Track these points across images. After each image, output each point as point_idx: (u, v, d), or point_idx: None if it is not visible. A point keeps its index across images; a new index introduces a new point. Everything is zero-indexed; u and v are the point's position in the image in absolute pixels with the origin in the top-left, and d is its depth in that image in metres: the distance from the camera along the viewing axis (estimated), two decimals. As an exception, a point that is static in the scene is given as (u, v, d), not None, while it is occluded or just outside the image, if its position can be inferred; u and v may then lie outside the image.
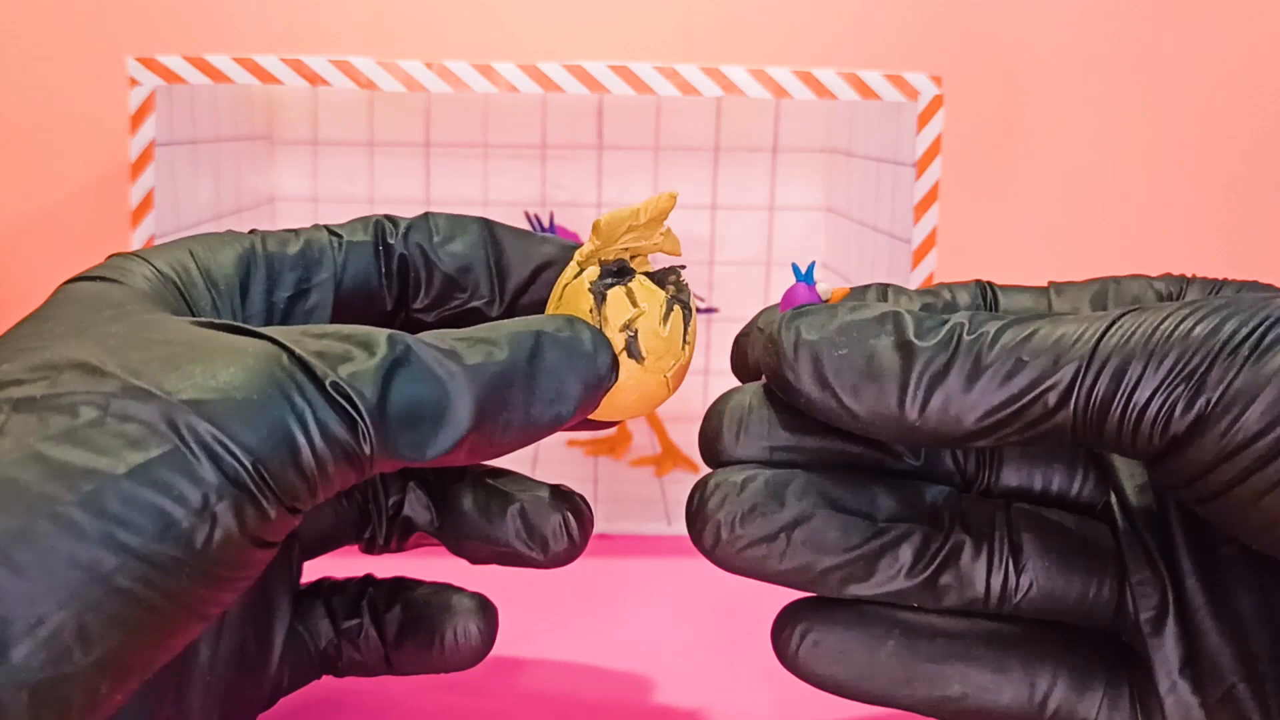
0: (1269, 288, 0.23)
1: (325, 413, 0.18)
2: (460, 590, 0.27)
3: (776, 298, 0.55)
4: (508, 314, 0.25)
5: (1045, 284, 0.25)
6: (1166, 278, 0.25)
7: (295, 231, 0.24)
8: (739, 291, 0.54)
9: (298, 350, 0.18)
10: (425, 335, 0.20)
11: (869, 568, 0.22)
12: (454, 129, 0.52)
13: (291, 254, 0.24)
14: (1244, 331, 0.18)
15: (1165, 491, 0.23)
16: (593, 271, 0.23)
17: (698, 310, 0.48)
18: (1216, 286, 0.24)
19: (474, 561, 0.27)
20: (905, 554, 0.22)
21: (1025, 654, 0.23)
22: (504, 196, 0.53)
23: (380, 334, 0.19)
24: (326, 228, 0.25)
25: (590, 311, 0.23)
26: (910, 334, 0.20)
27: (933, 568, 0.22)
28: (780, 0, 0.53)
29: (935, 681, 0.22)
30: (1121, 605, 0.23)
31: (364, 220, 0.25)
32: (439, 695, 0.29)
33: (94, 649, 0.16)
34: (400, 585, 0.27)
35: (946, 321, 0.20)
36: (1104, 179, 0.55)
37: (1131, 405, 0.19)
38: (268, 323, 0.23)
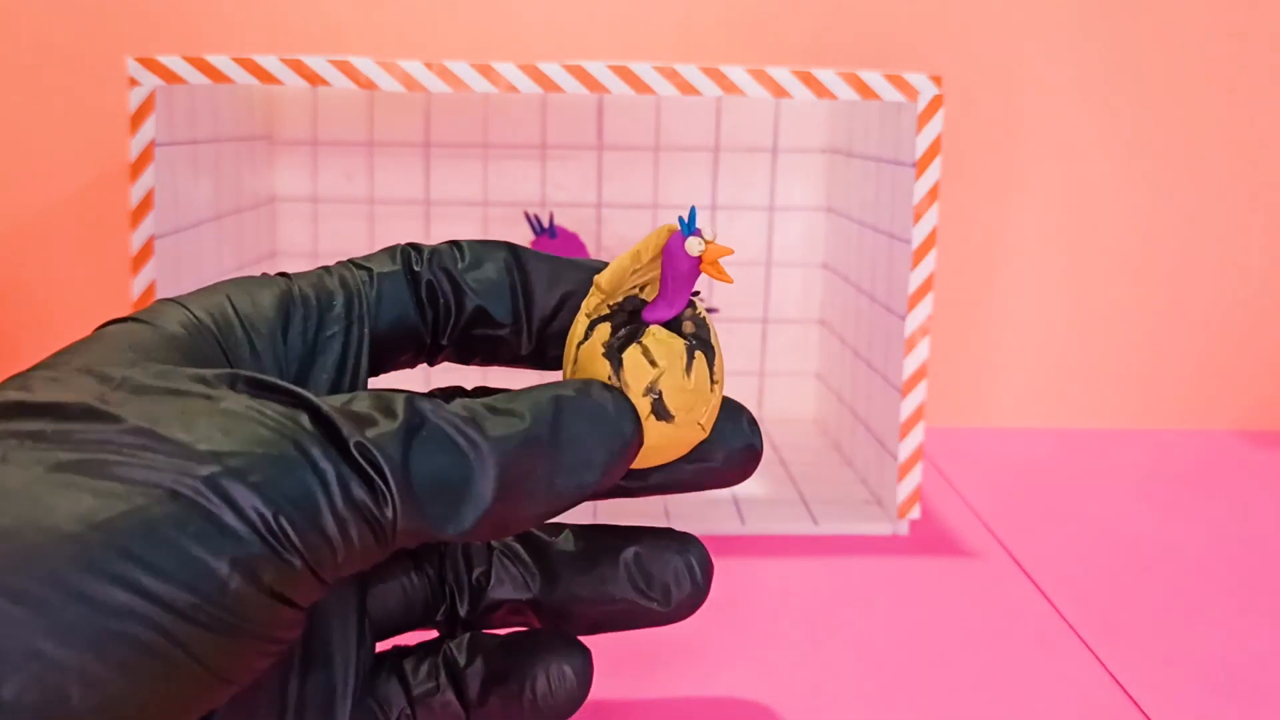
0: None
1: (347, 474, 0.17)
2: (546, 632, 0.25)
3: (777, 297, 0.55)
4: (536, 342, 0.24)
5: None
6: None
7: (327, 269, 0.23)
8: (739, 291, 0.54)
9: (324, 408, 0.17)
10: (451, 404, 0.19)
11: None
12: (454, 129, 0.52)
13: (327, 294, 0.23)
14: None
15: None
16: (604, 329, 0.21)
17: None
18: None
19: (580, 632, 0.25)
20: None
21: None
22: (504, 197, 0.53)
23: (397, 397, 0.19)
24: (354, 262, 0.24)
25: (610, 376, 0.21)
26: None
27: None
28: (780, 0, 0.53)
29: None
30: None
31: (390, 250, 0.24)
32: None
33: (95, 694, 0.14)
34: (478, 638, 0.25)
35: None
36: (1103, 179, 0.55)
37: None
38: (307, 366, 0.22)
